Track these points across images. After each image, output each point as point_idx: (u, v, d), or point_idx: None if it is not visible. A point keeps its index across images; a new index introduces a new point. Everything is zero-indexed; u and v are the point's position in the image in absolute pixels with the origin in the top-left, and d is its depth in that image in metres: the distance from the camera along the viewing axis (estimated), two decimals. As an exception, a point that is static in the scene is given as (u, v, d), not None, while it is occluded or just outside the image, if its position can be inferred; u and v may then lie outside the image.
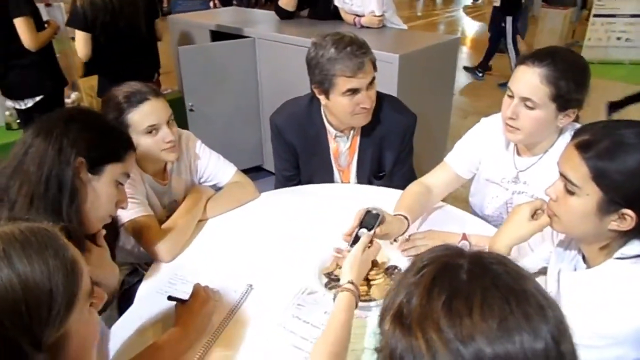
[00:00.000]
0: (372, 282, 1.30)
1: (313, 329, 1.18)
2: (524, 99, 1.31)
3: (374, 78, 1.62)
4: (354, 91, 1.57)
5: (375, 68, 1.64)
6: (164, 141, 1.46)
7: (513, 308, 0.52)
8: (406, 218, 1.43)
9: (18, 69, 2.71)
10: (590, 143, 0.94)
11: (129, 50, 2.72)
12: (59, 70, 2.89)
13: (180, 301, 1.18)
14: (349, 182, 1.86)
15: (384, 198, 1.70)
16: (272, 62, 3.10)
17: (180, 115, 3.14)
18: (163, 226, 1.43)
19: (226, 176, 1.69)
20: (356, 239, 1.25)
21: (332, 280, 1.32)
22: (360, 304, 1.22)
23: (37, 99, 2.75)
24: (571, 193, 0.97)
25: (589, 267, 1.05)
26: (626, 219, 0.92)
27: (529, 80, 1.29)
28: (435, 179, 1.63)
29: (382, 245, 1.42)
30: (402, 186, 1.75)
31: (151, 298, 1.28)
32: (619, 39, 6.13)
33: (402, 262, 1.40)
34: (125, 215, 1.40)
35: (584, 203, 0.95)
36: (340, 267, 1.33)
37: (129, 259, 1.64)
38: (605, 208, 0.93)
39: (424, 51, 2.68)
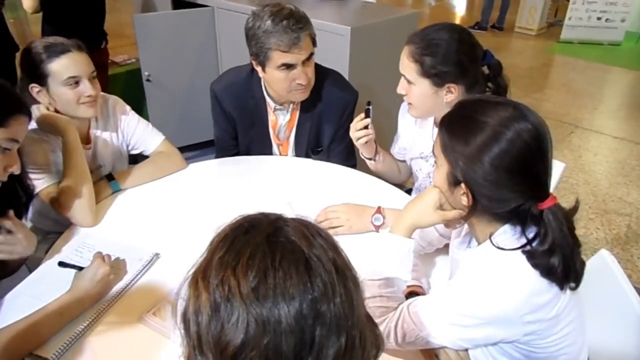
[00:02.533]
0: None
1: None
2: (404, 76, 1.39)
3: (312, 54, 1.58)
4: (289, 66, 1.54)
5: (314, 44, 1.61)
6: (84, 94, 1.42)
7: (276, 266, 0.52)
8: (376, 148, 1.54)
9: (-34, 34, 2.64)
10: None
11: (77, 9, 2.67)
12: (8, 35, 2.82)
13: (74, 268, 1.18)
14: (286, 155, 1.84)
15: (320, 172, 1.70)
16: (232, 32, 3.03)
17: (137, 86, 3.11)
18: (60, 193, 1.39)
19: (153, 144, 1.66)
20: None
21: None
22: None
23: None
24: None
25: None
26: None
27: (402, 58, 1.38)
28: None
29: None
30: (339, 163, 1.76)
31: (54, 265, 1.27)
32: (599, 19, 6.08)
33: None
34: (38, 184, 1.39)
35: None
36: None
37: (56, 227, 1.62)
38: None
39: (380, 24, 2.64)
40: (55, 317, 1.06)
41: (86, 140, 1.56)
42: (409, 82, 1.39)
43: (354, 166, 1.81)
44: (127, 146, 1.67)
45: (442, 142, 0.95)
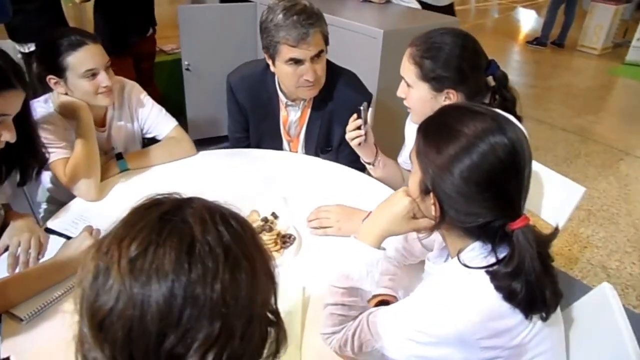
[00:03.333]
0: (261, 247, 1.30)
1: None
2: (404, 78, 1.36)
3: (322, 51, 1.58)
4: (297, 61, 1.54)
5: (326, 41, 1.60)
6: (101, 85, 1.49)
7: (159, 242, 0.52)
8: (377, 152, 1.55)
9: (23, 13, 2.81)
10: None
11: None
12: (62, 18, 2.98)
13: (61, 236, 1.23)
14: (296, 152, 1.84)
15: (324, 171, 1.69)
16: (272, 29, 3.07)
17: (181, 74, 3.21)
18: (70, 165, 1.46)
19: (165, 129, 1.71)
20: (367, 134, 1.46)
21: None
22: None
23: None
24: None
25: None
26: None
27: (404, 60, 1.36)
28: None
29: (286, 215, 1.42)
30: (347, 164, 1.74)
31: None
32: (669, 42, 5.69)
33: (305, 232, 1.39)
34: (50, 157, 1.46)
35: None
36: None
37: (72, 199, 1.70)
38: None
39: (415, 30, 2.57)
40: (33, 281, 1.11)
41: (101, 123, 1.64)
42: (408, 85, 1.36)
43: (361, 169, 1.78)
44: (142, 130, 1.73)
45: (417, 147, 0.92)
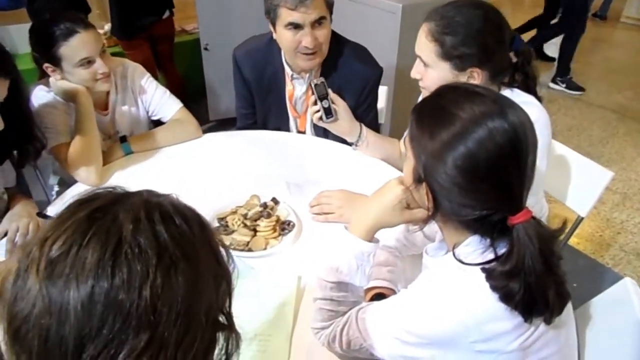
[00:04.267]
0: (258, 232, 1.26)
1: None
2: (419, 57, 1.26)
3: (323, 17, 1.50)
4: (296, 26, 1.47)
5: (329, 8, 1.52)
6: (98, 72, 1.46)
7: (83, 243, 0.47)
8: (361, 125, 1.52)
9: (44, -7, 2.81)
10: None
11: None
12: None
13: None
14: (304, 131, 1.77)
15: (332, 153, 1.62)
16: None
17: (197, 54, 3.17)
18: (71, 151, 1.44)
19: (170, 111, 1.67)
20: (326, 111, 1.49)
21: (221, 227, 1.28)
22: (233, 253, 1.20)
23: None
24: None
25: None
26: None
27: (420, 37, 1.24)
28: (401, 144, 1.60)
29: (288, 200, 1.37)
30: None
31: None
32: None
33: (305, 219, 1.34)
34: (50, 141, 1.46)
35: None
36: (235, 214, 1.30)
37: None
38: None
39: (436, 3, 2.45)
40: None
41: (104, 107, 1.61)
42: (425, 64, 1.26)
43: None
44: (147, 112, 1.70)
45: (410, 131, 0.84)
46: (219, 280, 0.55)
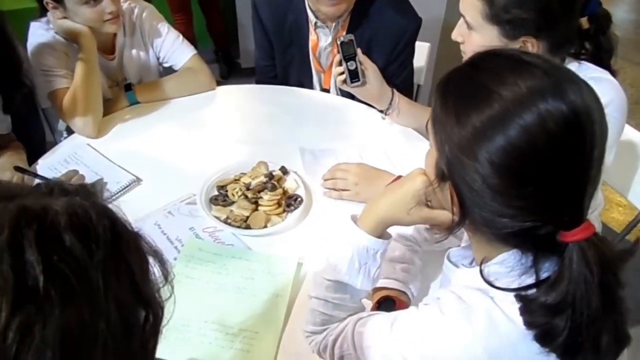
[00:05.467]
0: (260, 206, 1.11)
1: (162, 242, 1.03)
2: (463, 17, 1.03)
3: None
4: None
5: None
6: (105, 11, 1.30)
7: None
8: (393, 91, 1.33)
9: None
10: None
11: None
12: None
13: (36, 177, 1.11)
14: (328, 89, 1.58)
15: (361, 118, 1.42)
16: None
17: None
18: (67, 98, 1.32)
19: (182, 59, 1.51)
20: (352, 74, 1.28)
21: (220, 196, 1.14)
22: (229, 229, 1.06)
23: None
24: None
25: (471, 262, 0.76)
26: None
27: None
28: None
29: (300, 170, 1.21)
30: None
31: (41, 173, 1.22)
32: None
33: (317, 194, 1.17)
34: (48, 86, 1.34)
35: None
36: (238, 182, 1.15)
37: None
38: None
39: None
40: None
41: (110, 50, 1.46)
42: (469, 26, 1.04)
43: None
44: (158, 59, 1.54)
45: (433, 112, 0.65)
46: (134, 322, 0.40)
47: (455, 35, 1.09)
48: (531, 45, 0.98)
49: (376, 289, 0.90)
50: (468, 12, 1.02)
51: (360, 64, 1.29)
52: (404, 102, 1.36)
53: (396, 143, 1.34)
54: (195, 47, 2.75)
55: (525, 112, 0.55)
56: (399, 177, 1.13)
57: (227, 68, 3.15)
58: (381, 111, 1.38)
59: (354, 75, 1.29)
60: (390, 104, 1.35)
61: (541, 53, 0.97)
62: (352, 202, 1.14)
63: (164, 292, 0.47)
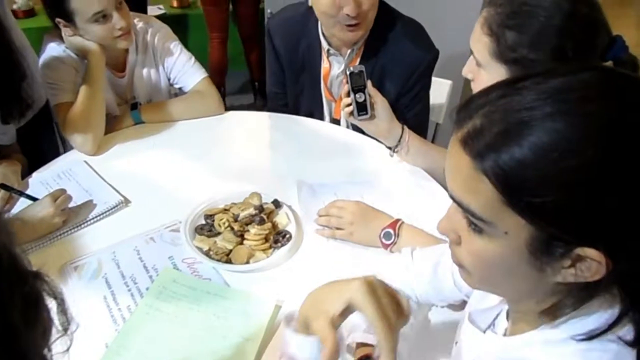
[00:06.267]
0: (245, 240, 1.04)
1: (137, 270, 0.98)
2: (472, 53, 0.95)
3: None
4: None
5: None
6: (115, 28, 1.30)
7: None
8: (403, 128, 1.26)
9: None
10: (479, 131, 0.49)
11: None
12: None
13: (21, 195, 1.08)
14: (339, 119, 1.52)
15: (369, 153, 1.35)
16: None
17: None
18: (69, 113, 1.30)
19: (192, 81, 1.48)
20: (359, 106, 1.22)
21: (206, 226, 1.08)
22: (209, 262, 1.00)
23: None
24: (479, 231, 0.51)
25: (506, 331, 0.63)
26: (587, 263, 0.47)
27: (476, 27, 0.93)
28: None
29: (293, 204, 1.14)
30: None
31: (33, 188, 1.20)
32: None
33: (308, 232, 1.10)
34: (53, 99, 1.35)
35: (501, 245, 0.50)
36: (228, 213, 1.10)
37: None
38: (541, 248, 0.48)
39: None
40: None
41: (121, 68, 1.46)
42: (478, 63, 0.95)
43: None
44: (169, 79, 1.52)
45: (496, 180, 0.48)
46: None
47: (465, 72, 1.01)
48: None
49: (359, 344, 0.81)
50: (476, 48, 0.94)
51: (370, 96, 1.24)
52: (414, 140, 1.29)
53: (402, 182, 1.26)
54: (226, 68, 2.78)
55: None
56: (397, 220, 1.05)
57: (264, 100, 3.16)
58: (390, 148, 1.31)
59: (361, 108, 1.24)
60: (400, 141, 1.28)
61: None
62: (345, 242, 1.07)
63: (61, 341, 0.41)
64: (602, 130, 0.44)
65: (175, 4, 3.41)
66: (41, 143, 1.57)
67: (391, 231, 1.03)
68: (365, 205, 1.10)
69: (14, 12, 3.03)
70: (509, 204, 0.46)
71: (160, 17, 3.19)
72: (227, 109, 1.52)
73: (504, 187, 0.46)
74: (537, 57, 0.86)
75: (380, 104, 1.25)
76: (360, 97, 1.23)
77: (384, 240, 1.04)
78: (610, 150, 0.43)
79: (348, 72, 1.21)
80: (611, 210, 0.44)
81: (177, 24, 3.33)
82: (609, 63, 0.92)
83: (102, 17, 1.28)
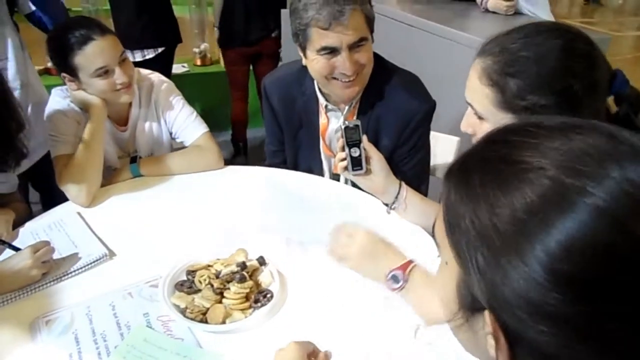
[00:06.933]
0: (224, 299, 0.99)
1: (110, 327, 0.94)
2: (471, 106, 0.93)
3: (363, 39, 1.23)
4: (331, 51, 1.22)
5: (370, 26, 1.26)
6: (117, 82, 1.34)
7: None
8: (400, 184, 1.24)
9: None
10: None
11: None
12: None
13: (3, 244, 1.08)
14: (338, 175, 1.49)
15: (366, 210, 1.31)
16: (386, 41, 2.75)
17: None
18: (67, 165, 1.32)
19: (193, 136, 1.50)
20: (354, 161, 1.21)
21: (186, 282, 1.04)
22: (184, 321, 0.95)
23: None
24: None
25: None
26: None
27: (471, 78, 0.91)
28: None
29: (279, 262, 1.10)
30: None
31: (22, 238, 1.20)
32: None
33: (292, 292, 1.05)
34: (53, 150, 1.37)
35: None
36: (210, 269, 1.06)
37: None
38: None
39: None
40: None
41: (124, 122, 1.49)
42: (479, 116, 0.93)
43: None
44: (170, 133, 1.54)
45: (446, 208, 0.47)
46: None
47: (465, 127, 0.98)
48: None
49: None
50: (477, 102, 0.92)
51: (365, 151, 1.22)
52: (412, 197, 1.25)
53: (398, 241, 1.20)
54: (246, 124, 2.85)
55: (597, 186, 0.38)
56: (409, 263, 0.98)
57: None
58: (386, 204, 1.27)
59: (356, 163, 1.22)
60: (397, 197, 1.24)
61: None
62: (334, 307, 1.01)
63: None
64: None
65: (198, 62, 3.56)
66: (53, 191, 1.58)
67: (399, 275, 0.97)
68: (376, 237, 1.05)
69: (48, 70, 3.22)
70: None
71: (184, 75, 3.42)
72: (248, 163, 1.52)
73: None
74: (548, 101, 0.83)
75: (376, 159, 1.23)
76: (355, 152, 1.21)
77: (390, 284, 0.97)
78: None
79: (343, 127, 1.20)
80: None
81: (201, 81, 3.47)
82: (611, 99, 0.88)
83: (105, 72, 1.32)
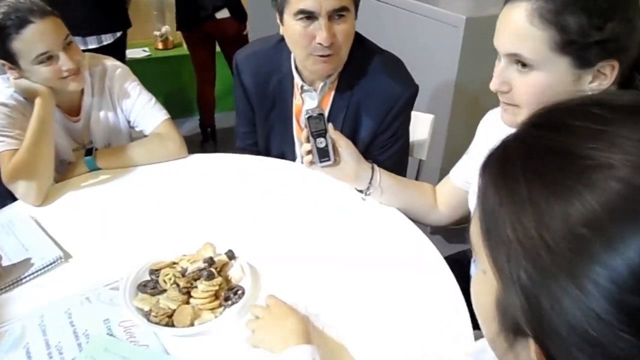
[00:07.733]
0: (191, 299, 0.92)
1: (66, 337, 0.86)
2: (512, 56, 0.81)
3: (345, 8, 1.15)
4: (308, 15, 1.13)
5: (355, 1, 1.18)
6: (62, 69, 1.23)
7: None
8: (373, 168, 1.18)
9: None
10: None
11: None
12: None
13: None
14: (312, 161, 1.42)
15: (341, 198, 1.24)
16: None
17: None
18: (12, 161, 1.20)
19: (152, 123, 1.40)
20: (321, 152, 1.15)
21: (149, 282, 0.96)
22: (147, 325, 0.88)
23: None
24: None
25: None
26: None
27: (513, 24, 0.79)
28: (439, 192, 1.24)
29: (250, 256, 1.03)
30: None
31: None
32: None
33: (265, 286, 0.98)
34: None
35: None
36: (175, 267, 0.99)
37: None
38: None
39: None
40: None
41: (76, 112, 1.37)
42: (524, 64, 0.80)
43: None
44: (128, 122, 1.44)
45: (483, 212, 0.39)
46: None
47: (499, 85, 0.85)
48: (610, 70, 0.77)
49: None
50: (527, 48, 0.79)
51: (332, 140, 1.15)
52: (387, 179, 1.19)
53: (373, 225, 1.15)
54: (213, 108, 2.76)
55: None
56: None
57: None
58: (360, 191, 1.21)
59: (323, 154, 1.16)
60: (370, 182, 1.18)
61: (615, 78, 0.78)
62: (312, 306, 0.95)
63: None
64: None
65: (160, 46, 3.40)
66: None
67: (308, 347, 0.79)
68: (280, 302, 0.90)
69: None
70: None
71: (145, 60, 3.26)
72: (218, 150, 1.43)
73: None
74: (604, 35, 0.75)
75: (345, 147, 1.17)
76: (321, 143, 1.15)
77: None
78: None
79: (306, 116, 1.13)
80: None
81: (163, 65, 3.33)
82: None
83: (47, 58, 1.20)
